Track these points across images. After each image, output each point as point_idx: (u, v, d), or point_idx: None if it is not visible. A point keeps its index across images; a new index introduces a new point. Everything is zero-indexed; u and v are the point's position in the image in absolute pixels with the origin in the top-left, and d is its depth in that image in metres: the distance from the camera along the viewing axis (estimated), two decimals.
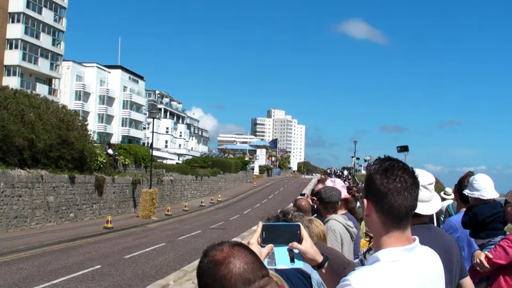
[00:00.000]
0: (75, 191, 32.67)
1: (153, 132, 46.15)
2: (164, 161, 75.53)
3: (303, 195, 16.17)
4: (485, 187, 5.86)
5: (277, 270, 3.12)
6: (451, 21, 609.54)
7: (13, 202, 26.73)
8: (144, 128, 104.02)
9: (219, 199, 58.35)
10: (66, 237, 25.73)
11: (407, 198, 2.35)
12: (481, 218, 5.72)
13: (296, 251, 2.63)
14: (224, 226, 34.18)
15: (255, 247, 2.50)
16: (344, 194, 7.10)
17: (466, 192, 6.00)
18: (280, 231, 2.66)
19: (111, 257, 21.04)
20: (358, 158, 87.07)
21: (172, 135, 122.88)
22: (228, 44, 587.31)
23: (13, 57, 66.90)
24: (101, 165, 37.47)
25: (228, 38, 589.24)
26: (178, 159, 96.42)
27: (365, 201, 2.42)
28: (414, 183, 2.39)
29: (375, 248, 2.44)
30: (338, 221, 5.79)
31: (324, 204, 6.46)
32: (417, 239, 2.42)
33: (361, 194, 2.57)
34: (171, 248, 24.21)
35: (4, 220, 25.98)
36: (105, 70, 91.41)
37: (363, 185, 2.77)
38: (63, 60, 77.51)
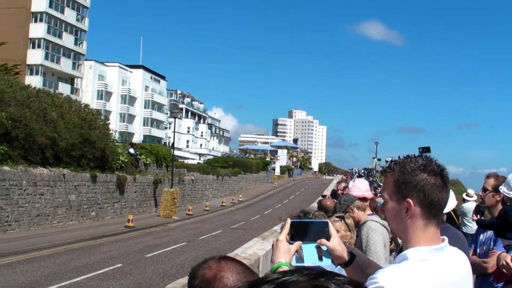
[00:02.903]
0: (96, 190, 32.84)
1: (174, 131, 46.51)
2: (186, 161, 75.73)
3: (324, 196, 16.08)
4: None
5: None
6: (469, 22, 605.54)
7: (35, 201, 26.92)
8: (166, 128, 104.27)
9: (240, 199, 58.42)
10: (87, 235, 25.84)
11: (448, 192, 2.35)
12: None
13: (324, 248, 2.58)
14: (245, 226, 34.14)
15: (283, 244, 2.48)
16: (368, 194, 6.81)
17: (502, 190, 5.74)
18: (308, 228, 2.61)
19: (132, 256, 21.07)
20: (379, 159, 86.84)
21: (193, 135, 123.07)
22: (248, 45, 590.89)
23: (35, 56, 67.37)
24: (123, 164, 37.63)
25: (249, 39, 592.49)
26: (199, 159, 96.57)
27: (410, 201, 2.33)
28: (447, 179, 2.37)
29: (404, 247, 2.37)
30: (376, 221, 5.66)
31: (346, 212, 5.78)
32: (446, 239, 2.36)
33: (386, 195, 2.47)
34: (192, 247, 24.20)
35: (26, 218, 26.18)
36: (127, 70, 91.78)
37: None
38: (85, 60, 78.01)
